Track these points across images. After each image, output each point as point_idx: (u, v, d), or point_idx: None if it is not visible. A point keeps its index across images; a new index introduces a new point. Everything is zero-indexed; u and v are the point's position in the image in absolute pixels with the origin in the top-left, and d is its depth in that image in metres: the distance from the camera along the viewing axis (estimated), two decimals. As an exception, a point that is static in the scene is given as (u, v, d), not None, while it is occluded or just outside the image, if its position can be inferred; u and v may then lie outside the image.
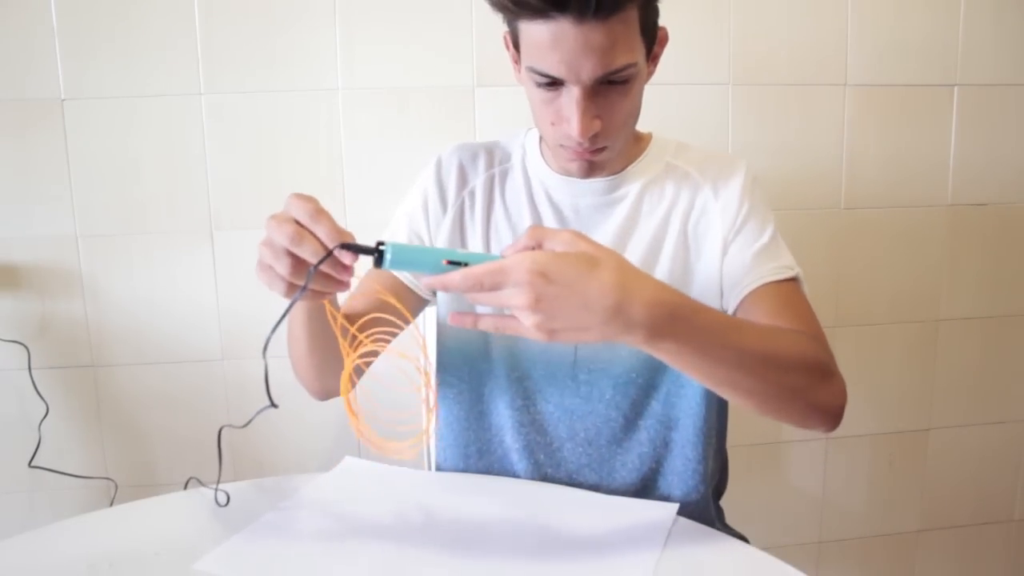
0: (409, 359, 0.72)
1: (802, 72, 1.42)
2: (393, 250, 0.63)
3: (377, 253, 0.63)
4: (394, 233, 0.98)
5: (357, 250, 0.63)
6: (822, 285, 1.50)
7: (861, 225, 1.49)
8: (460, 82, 1.36)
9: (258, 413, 0.70)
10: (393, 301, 0.80)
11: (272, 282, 0.66)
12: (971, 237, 1.53)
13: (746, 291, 0.87)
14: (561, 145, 0.85)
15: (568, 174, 0.91)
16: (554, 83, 0.79)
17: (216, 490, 0.84)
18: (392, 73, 1.34)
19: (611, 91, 0.80)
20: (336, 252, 0.63)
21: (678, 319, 0.66)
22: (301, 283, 0.65)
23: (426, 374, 0.73)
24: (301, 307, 0.78)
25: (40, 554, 0.74)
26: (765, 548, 0.77)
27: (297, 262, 0.64)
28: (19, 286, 1.35)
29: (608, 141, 0.84)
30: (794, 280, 0.88)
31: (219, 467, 0.84)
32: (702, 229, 0.92)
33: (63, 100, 1.30)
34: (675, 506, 0.83)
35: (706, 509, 0.97)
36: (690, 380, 0.82)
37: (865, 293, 1.52)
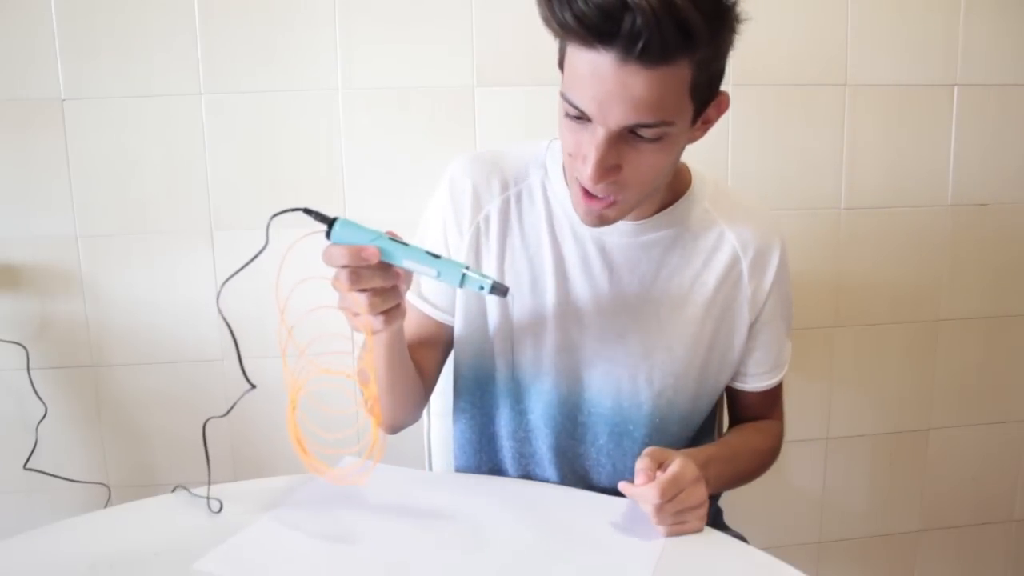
0: (344, 375, 0.77)
1: (802, 72, 1.42)
2: (341, 223, 0.72)
3: (328, 225, 0.72)
4: (416, 289, 0.96)
5: (317, 216, 0.72)
6: (822, 285, 1.50)
7: (861, 225, 1.49)
8: (460, 82, 1.35)
9: (240, 398, 0.78)
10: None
11: (363, 323, 0.75)
12: (972, 237, 1.53)
13: (753, 389, 0.99)
14: (576, 178, 0.80)
15: (579, 217, 0.84)
16: (583, 116, 0.74)
17: (208, 499, 0.82)
18: (392, 73, 1.34)
19: (639, 144, 0.74)
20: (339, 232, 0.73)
21: (716, 479, 0.86)
22: (385, 308, 0.74)
23: (370, 390, 0.77)
24: (380, 339, 0.82)
25: (41, 554, 0.74)
26: (765, 548, 0.77)
27: (373, 293, 0.73)
28: (19, 286, 1.34)
29: (622, 195, 0.79)
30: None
31: (208, 468, 0.83)
32: (732, 303, 0.93)
33: (63, 100, 1.30)
34: (675, 506, 0.83)
35: None
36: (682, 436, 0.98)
37: (865, 293, 1.52)
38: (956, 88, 1.47)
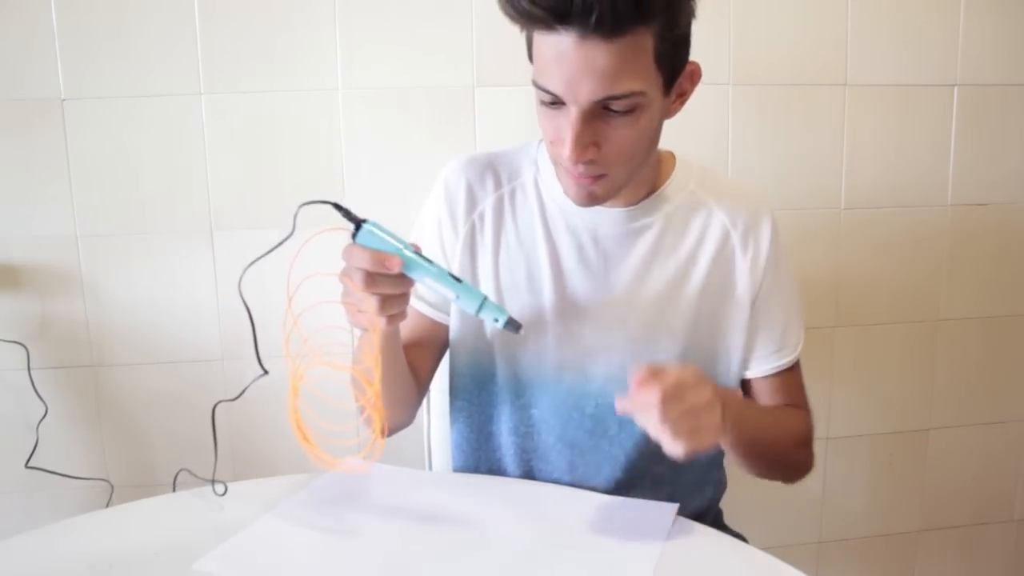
0: (347, 370, 0.77)
1: (802, 72, 1.42)
2: (372, 225, 0.73)
3: (356, 226, 0.73)
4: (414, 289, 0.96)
5: (347, 215, 0.73)
6: (822, 285, 1.50)
7: (861, 225, 1.49)
8: (460, 82, 1.36)
9: (252, 382, 0.80)
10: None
11: (366, 320, 0.75)
12: (971, 237, 1.53)
13: (763, 372, 0.96)
14: (561, 164, 0.82)
15: (570, 199, 0.86)
16: (557, 101, 0.77)
17: (213, 482, 0.84)
18: (392, 73, 1.34)
19: (614, 119, 0.77)
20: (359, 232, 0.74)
21: (739, 418, 0.81)
22: (393, 312, 0.75)
23: (368, 383, 0.76)
24: (379, 335, 0.81)
25: (41, 554, 0.75)
26: (765, 548, 0.77)
27: (384, 298, 0.74)
28: (19, 286, 1.35)
29: (607, 170, 0.80)
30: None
31: (215, 451, 0.85)
32: (728, 279, 0.93)
33: (63, 100, 1.30)
34: (675, 506, 0.83)
35: (708, 515, 0.99)
36: None
37: (865, 293, 1.52)
38: (956, 88, 1.47)
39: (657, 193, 0.92)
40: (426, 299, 0.96)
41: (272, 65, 1.33)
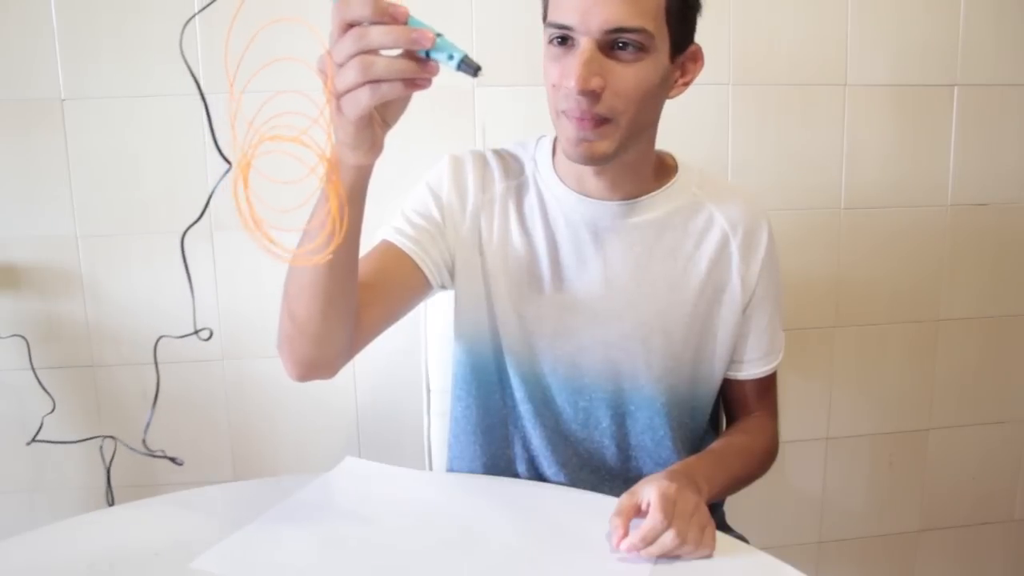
0: (298, 141, 0.66)
1: (802, 72, 1.42)
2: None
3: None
4: (399, 228, 0.92)
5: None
6: (822, 285, 1.50)
7: (861, 225, 1.49)
8: (460, 82, 1.35)
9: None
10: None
11: (372, 95, 0.62)
12: (971, 237, 1.53)
13: (753, 375, 0.99)
14: (563, 112, 0.81)
15: (569, 158, 0.85)
16: (566, 40, 0.79)
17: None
18: (392, 73, 1.34)
19: (622, 57, 0.79)
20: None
21: (705, 495, 0.82)
22: (391, 90, 0.63)
23: (328, 161, 0.65)
24: (344, 176, 0.72)
25: (40, 554, 0.75)
26: (765, 548, 0.78)
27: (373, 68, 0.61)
28: (19, 286, 1.34)
29: (610, 112, 0.80)
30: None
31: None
32: (724, 283, 0.94)
33: (63, 100, 1.30)
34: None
35: None
36: (693, 419, 0.98)
37: (865, 293, 1.52)
38: (956, 88, 1.47)
39: (657, 191, 0.92)
40: (407, 234, 0.91)
41: (272, 65, 1.32)
